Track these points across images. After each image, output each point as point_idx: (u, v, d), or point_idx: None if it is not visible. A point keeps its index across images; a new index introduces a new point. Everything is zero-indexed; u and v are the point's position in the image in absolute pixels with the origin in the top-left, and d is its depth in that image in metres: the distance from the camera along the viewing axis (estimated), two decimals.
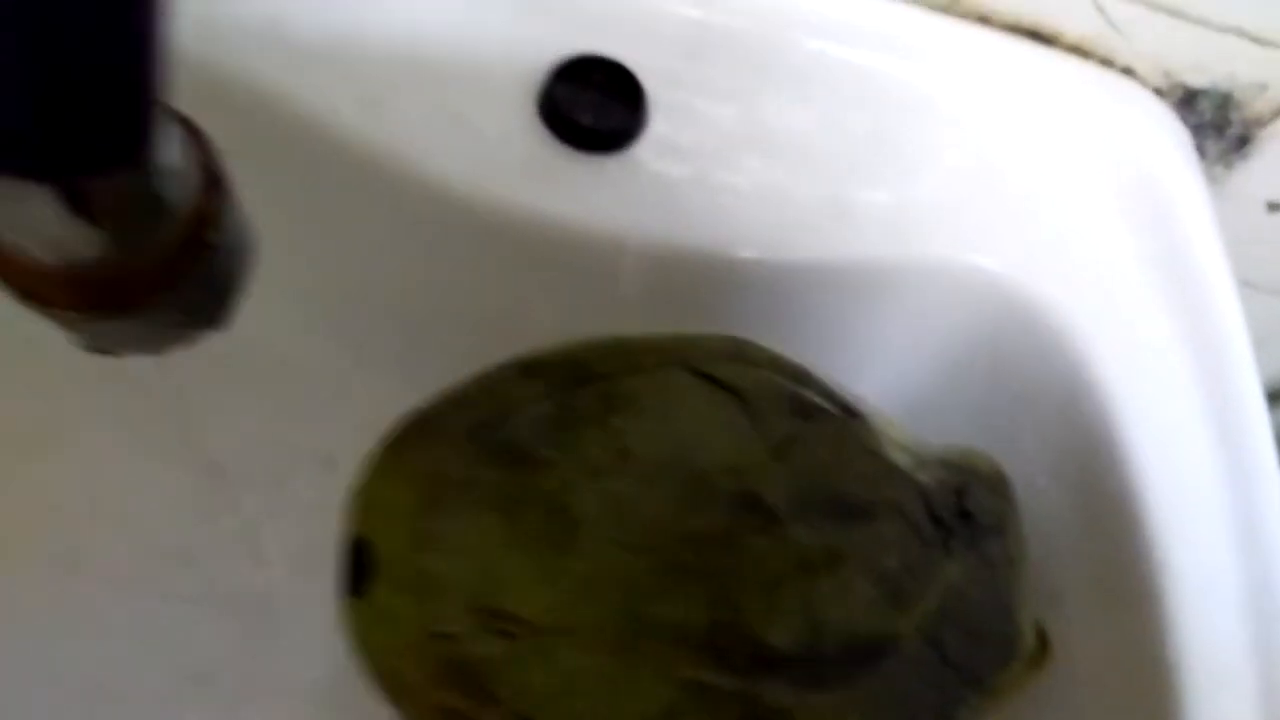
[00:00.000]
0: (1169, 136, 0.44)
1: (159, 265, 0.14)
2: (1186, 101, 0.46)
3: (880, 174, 0.40)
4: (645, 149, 0.39)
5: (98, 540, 0.40)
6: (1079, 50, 0.45)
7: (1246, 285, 0.44)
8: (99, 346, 0.16)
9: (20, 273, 0.14)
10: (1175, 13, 0.43)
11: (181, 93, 0.37)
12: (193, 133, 0.15)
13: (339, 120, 0.37)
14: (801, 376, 0.34)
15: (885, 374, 0.43)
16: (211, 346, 0.25)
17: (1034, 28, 0.45)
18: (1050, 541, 0.39)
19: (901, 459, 0.33)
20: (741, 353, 0.34)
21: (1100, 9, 0.43)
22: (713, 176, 0.39)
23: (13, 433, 0.40)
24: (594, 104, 0.38)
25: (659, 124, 0.39)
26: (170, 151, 0.13)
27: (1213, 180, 0.48)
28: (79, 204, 0.12)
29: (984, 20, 0.44)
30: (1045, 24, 0.45)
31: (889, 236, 0.40)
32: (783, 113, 0.40)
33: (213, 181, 0.15)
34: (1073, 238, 0.42)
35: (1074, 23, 0.45)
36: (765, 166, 0.40)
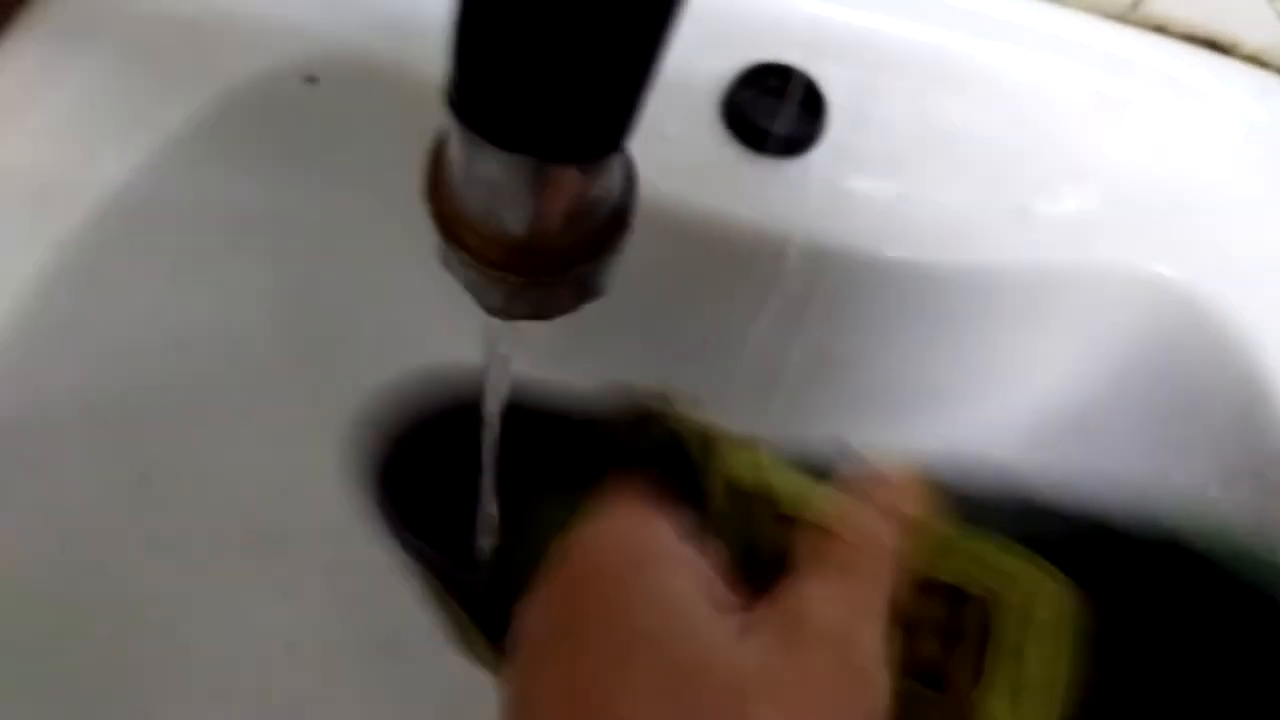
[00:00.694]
0: None
1: (592, 242, 0.16)
2: None
3: (1057, 180, 0.40)
4: (824, 153, 0.40)
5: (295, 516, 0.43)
6: (1256, 60, 0.45)
7: None
8: (507, 310, 0.18)
9: (484, 241, 0.15)
10: None
11: (357, 83, 0.41)
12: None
13: None
14: None
15: (1053, 380, 0.43)
16: None
17: (1211, 37, 0.45)
18: None
19: None
20: None
21: None
22: (889, 180, 0.40)
23: None
24: (776, 109, 0.40)
25: (838, 129, 0.40)
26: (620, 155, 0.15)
27: None
28: (547, 188, 0.14)
29: (1161, 29, 0.44)
30: (1223, 33, 0.45)
31: (1064, 241, 0.40)
32: (960, 119, 0.41)
33: (632, 179, 0.17)
34: (1249, 246, 0.41)
35: (1252, 32, 0.44)
36: (941, 171, 0.40)
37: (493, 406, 0.25)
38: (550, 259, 0.16)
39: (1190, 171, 0.42)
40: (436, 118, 0.18)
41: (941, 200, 0.40)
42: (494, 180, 0.15)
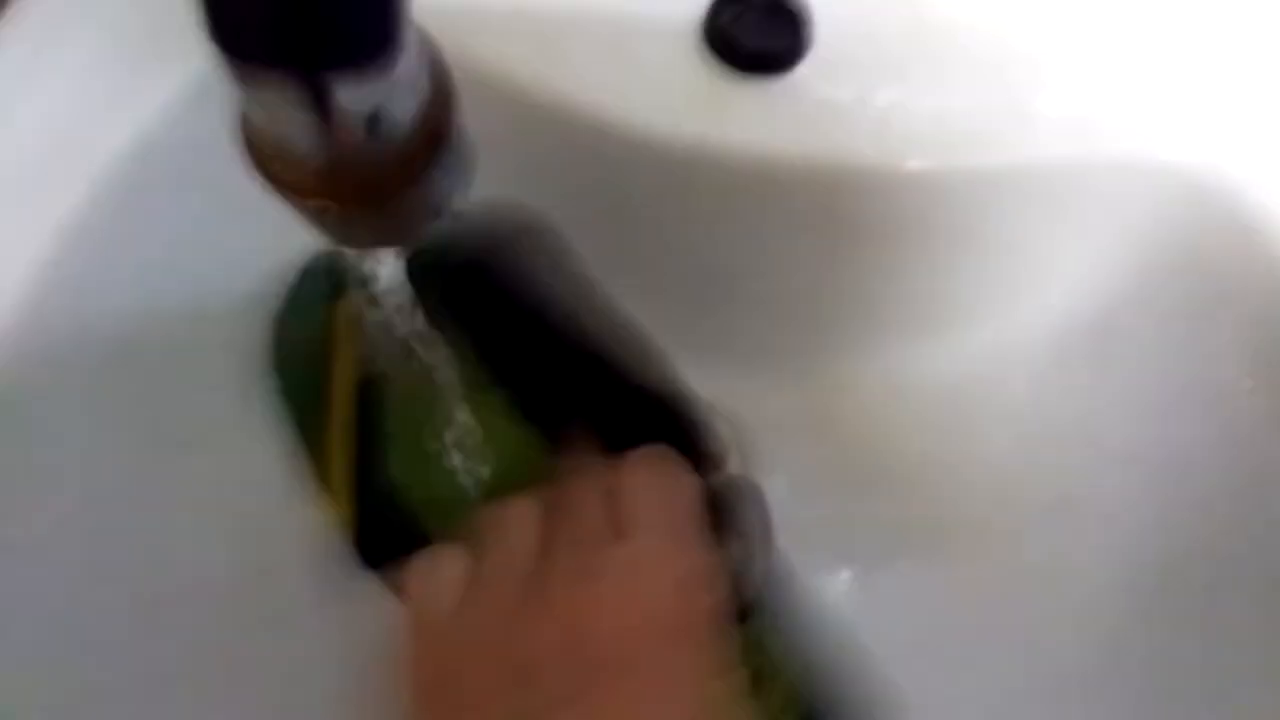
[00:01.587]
0: None
1: (400, 166, 0.16)
2: None
3: (1058, 74, 0.38)
4: (809, 68, 0.39)
5: None
6: None
7: None
8: (351, 240, 0.18)
9: (292, 171, 0.15)
10: None
11: None
12: (426, 45, 0.16)
13: (515, 67, 0.39)
14: None
15: (1073, 279, 0.42)
16: None
17: None
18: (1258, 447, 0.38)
19: None
20: None
21: None
22: (879, 91, 0.39)
23: None
24: (757, 26, 0.39)
25: (823, 42, 0.39)
26: (409, 58, 0.15)
27: None
28: (327, 103, 0.14)
29: None
30: None
31: (1071, 137, 0.38)
32: (950, 17, 0.39)
33: (445, 92, 0.16)
34: (1275, 127, 0.39)
35: None
36: (936, 74, 0.39)
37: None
38: (368, 183, 0.16)
39: (1205, 51, 0.39)
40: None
41: (938, 105, 0.38)
42: (271, 104, 0.14)
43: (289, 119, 0.14)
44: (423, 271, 0.28)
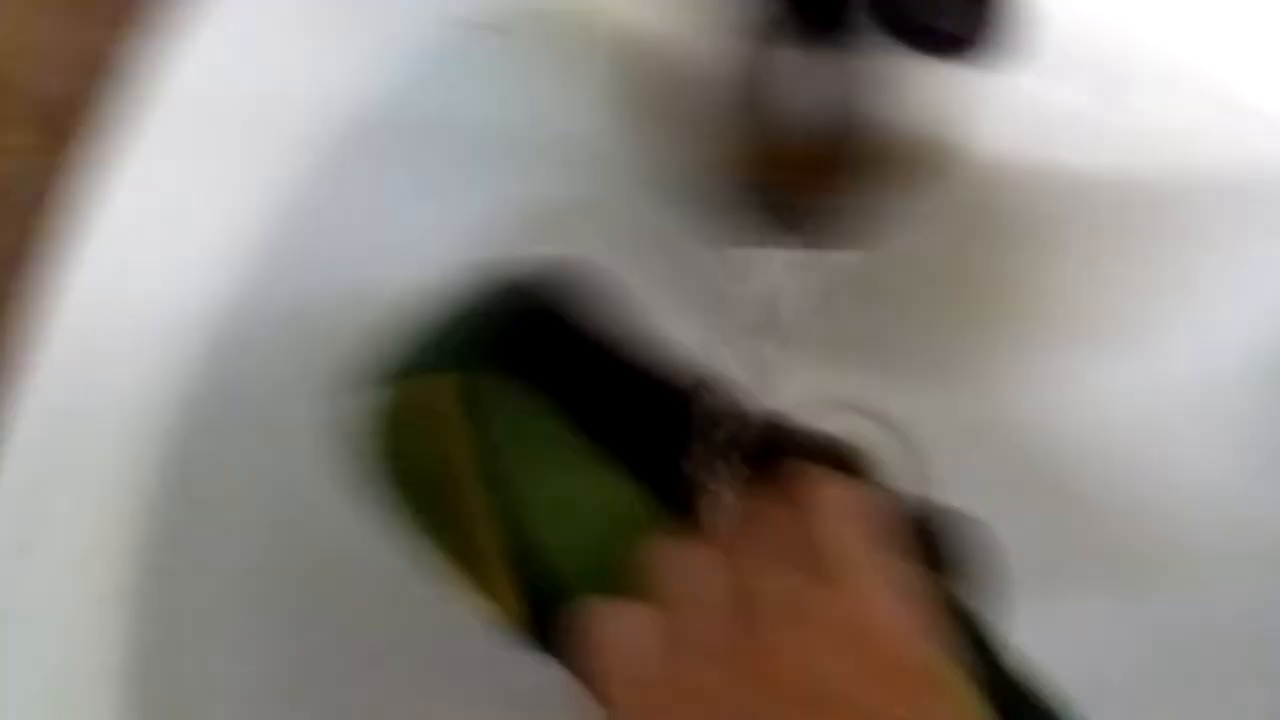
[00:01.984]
0: None
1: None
2: None
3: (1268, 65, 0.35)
4: (1000, 53, 0.37)
5: None
6: None
7: None
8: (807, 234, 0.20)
9: (804, 162, 0.18)
10: None
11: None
12: None
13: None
14: None
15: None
16: None
17: None
18: None
19: None
20: None
21: None
22: (1076, 79, 0.36)
23: None
24: (939, 3, 0.37)
25: (1016, 25, 0.36)
26: None
27: None
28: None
29: None
30: None
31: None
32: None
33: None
34: None
35: None
36: (1134, 67, 0.36)
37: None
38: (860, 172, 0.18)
39: None
40: None
41: (1136, 100, 0.36)
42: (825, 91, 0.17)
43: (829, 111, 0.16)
44: (499, 337, 0.28)
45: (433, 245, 0.41)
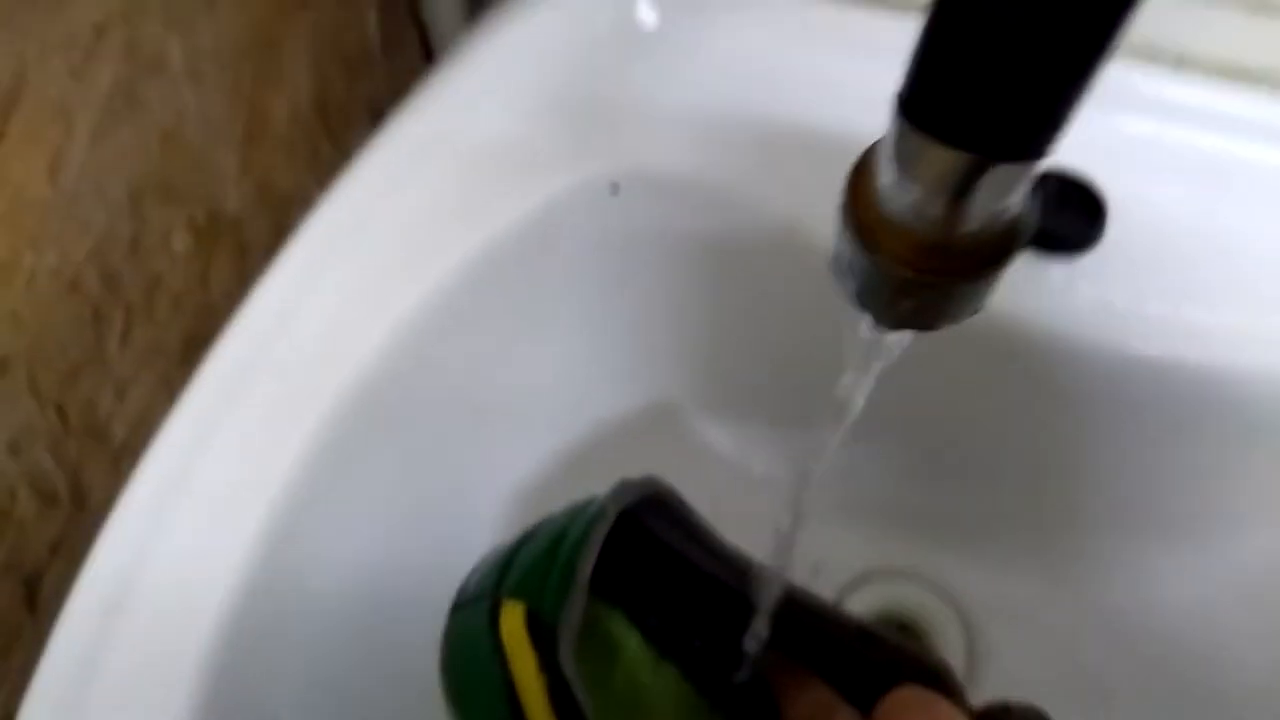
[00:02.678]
0: None
1: (997, 246, 0.18)
2: None
3: None
4: (1104, 254, 0.40)
5: None
6: None
7: None
8: (899, 315, 0.20)
9: (902, 243, 0.18)
10: None
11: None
12: None
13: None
14: None
15: None
16: None
17: None
18: None
19: None
20: None
21: None
22: (1172, 283, 0.40)
23: None
24: (1052, 210, 0.41)
25: (1118, 231, 0.40)
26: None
27: None
28: (974, 186, 0.16)
29: None
30: None
31: None
32: (1242, 224, 0.41)
33: (1029, 204, 0.19)
34: None
35: None
36: (1228, 275, 0.40)
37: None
38: (961, 260, 0.18)
39: None
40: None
41: (1227, 303, 0.39)
42: (926, 176, 0.17)
43: (934, 196, 0.17)
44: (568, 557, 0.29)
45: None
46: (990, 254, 0.18)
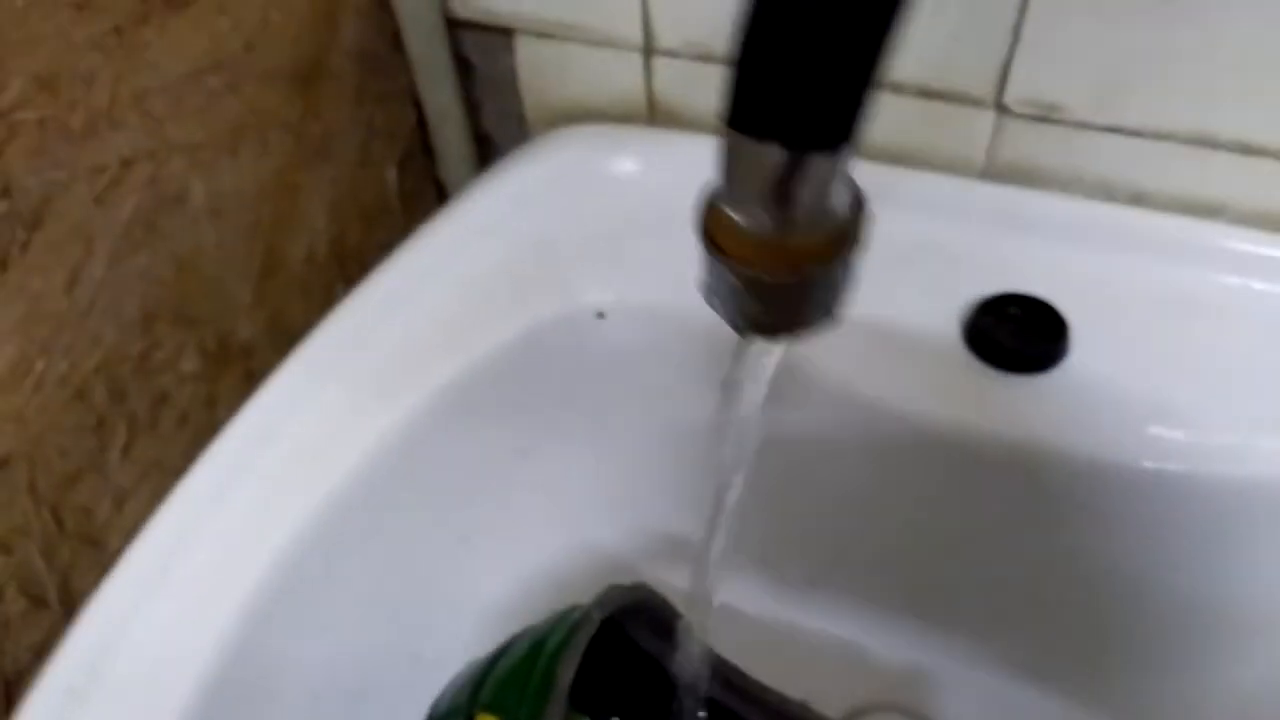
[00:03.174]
0: None
1: (832, 241, 0.20)
2: None
3: None
4: (1068, 370, 0.42)
5: None
6: None
7: None
8: (763, 322, 0.22)
9: (741, 243, 0.20)
10: None
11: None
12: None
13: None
14: None
15: None
16: None
17: None
18: None
19: None
20: None
21: None
22: (1136, 397, 0.41)
23: None
24: (1017, 331, 0.42)
25: (1081, 349, 0.42)
26: (850, 159, 0.19)
27: None
28: (796, 181, 0.18)
29: None
30: None
31: None
32: (1209, 340, 0.41)
33: (860, 201, 0.20)
34: None
35: None
36: (1193, 389, 0.40)
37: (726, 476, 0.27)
38: (797, 255, 0.20)
39: None
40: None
41: (1188, 413, 0.40)
42: (750, 178, 0.19)
43: (760, 194, 0.18)
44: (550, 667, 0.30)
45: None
46: (821, 252, 0.20)
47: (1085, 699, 0.46)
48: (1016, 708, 0.48)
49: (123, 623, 0.36)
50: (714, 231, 0.20)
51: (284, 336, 0.53)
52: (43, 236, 0.38)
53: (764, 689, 0.32)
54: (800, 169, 0.18)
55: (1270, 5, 0.39)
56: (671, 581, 0.50)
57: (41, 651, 0.42)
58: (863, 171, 0.20)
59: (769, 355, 0.23)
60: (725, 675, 0.31)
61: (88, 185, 0.40)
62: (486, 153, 0.61)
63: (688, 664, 0.31)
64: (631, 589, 0.31)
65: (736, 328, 0.22)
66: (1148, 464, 0.39)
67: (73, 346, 0.41)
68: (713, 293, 0.21)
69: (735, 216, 0.20)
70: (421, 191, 0.61)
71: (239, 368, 0.50)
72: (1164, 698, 0.45)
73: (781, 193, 0.18)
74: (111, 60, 0.39)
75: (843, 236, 0.20)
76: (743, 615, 0.51)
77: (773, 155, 0.18)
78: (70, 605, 0.42)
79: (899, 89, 0.47)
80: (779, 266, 0.20)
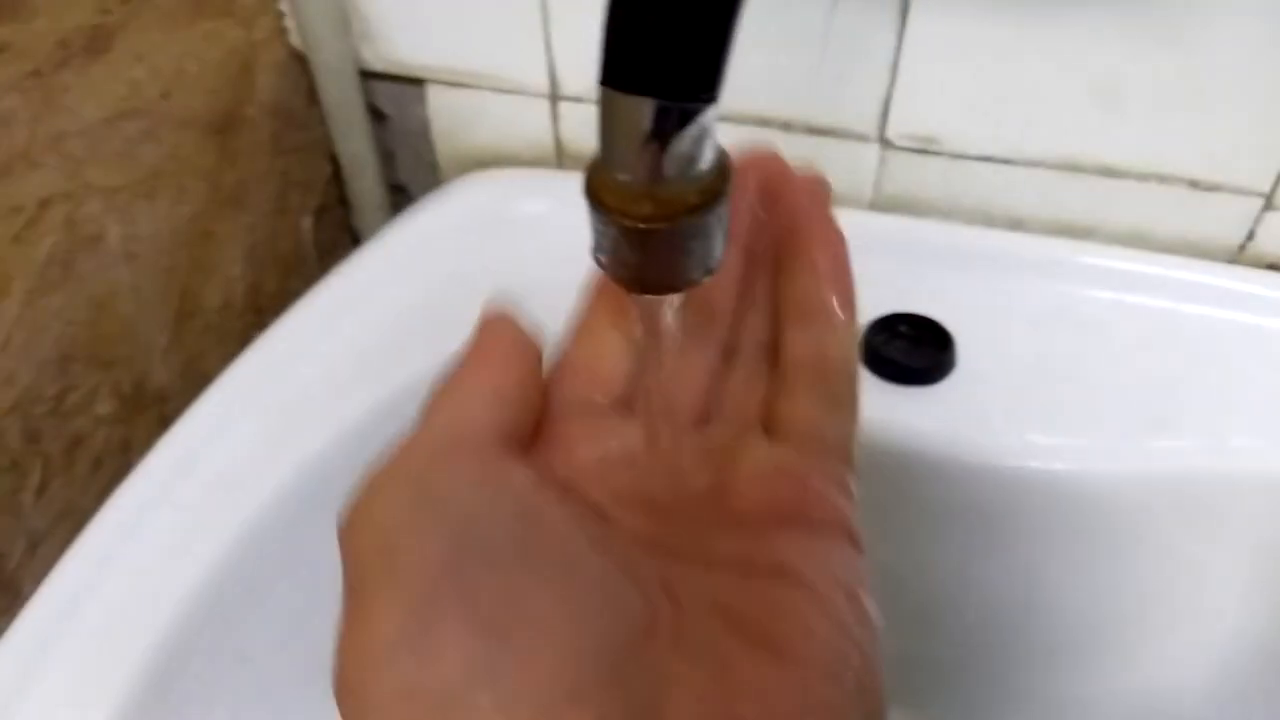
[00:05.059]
0: None
1: (703, 190, 0.22)
2: None
3: (1191, 396, 0.43)
4: (956, 383, 0.44)
5: None
6: None
7: None
8: (644, 276, 0.23)
9: (617, 194, 0.21)
10: None
11: None
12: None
13: None
14: None
15: (1210, 598, 0.43)
16: None
17: None
18: None
19: None
20: None
21: None
22: (1020, 404, 0.43)
23: None
24: (907, 348, 0.45)
25: (967, 362, 0.45)
26: (715, 116, 0.21)
27: None
28: (663, 133, 0.20)
29: (1274, 267, 0.47)
30: None
31: (1208, 454, 0.42)
32: (1085, 351, 0.45)
33: (726, 162, 0.22)
34: None
35: None
36: (1073, 395, 0.43)
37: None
38: (670, 204, 0.21)
39: None
40: None
41: (1069, 418, 0.42)
42: (626, 133, 0.21)
43: (631, 145, 0.20)
44: None
45: None
46: (694, 202, 0.22)
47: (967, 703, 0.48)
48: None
49: (29, 666, 0.36)
50: (596, 188, 0.22)
51: (199, 382, 0.53)
52: None
53: None
54: (669, 119, 0.20)
55: (1115, 37, 0.43)
56: None
57: None
58: None
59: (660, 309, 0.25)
60: None
61: (4, 224, 0.40)
62: (401, 202, 0.63)
63: None
64: None
65: (621, 282, 0.24)
66: (1034, 464, 0.42)
67: None
68: (599, 250, 0.23)
69: (614, 172, 0.22)
70: (338, 241, 0.63)
71: (154, 412, 0.50)
72: (1062, 703, 0.48)
73: (653, 144, 0.20)
74: (30, 102, 0.40)
75: (712, 190, 0.22)
76: None
77: (644, 108, 0.20)
78: None
79: (788, 126, 0.50)
80: (654, 215, 0.22)
